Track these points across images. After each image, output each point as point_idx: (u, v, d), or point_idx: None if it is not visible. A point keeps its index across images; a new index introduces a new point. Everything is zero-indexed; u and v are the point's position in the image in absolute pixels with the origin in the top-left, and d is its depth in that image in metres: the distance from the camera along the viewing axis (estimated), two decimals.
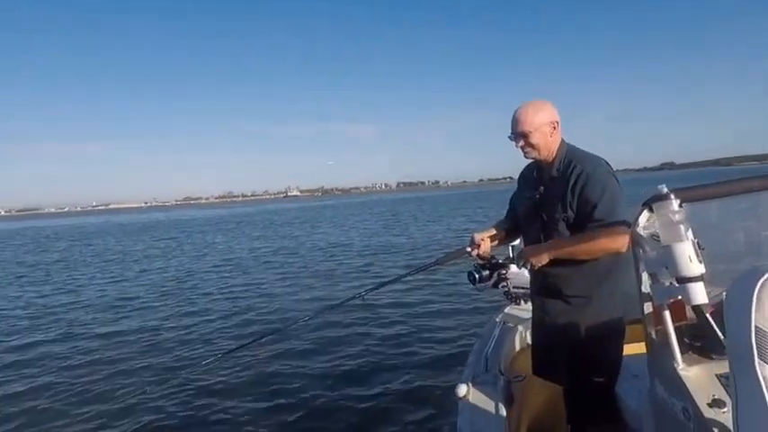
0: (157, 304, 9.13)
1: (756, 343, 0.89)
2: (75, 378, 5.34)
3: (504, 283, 3.27)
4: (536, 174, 2.22)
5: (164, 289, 10.80)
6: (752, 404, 0.91)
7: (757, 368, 0.89)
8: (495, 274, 2.35)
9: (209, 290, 10.27)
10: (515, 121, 2.10)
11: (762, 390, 0.88)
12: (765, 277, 0.89)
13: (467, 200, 58.54)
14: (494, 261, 2.33)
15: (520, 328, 3.08)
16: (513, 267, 3.28)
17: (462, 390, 2.34)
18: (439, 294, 8.07)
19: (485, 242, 2.33)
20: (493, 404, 2.29)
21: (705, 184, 1.60)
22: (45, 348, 6.63)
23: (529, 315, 2.74)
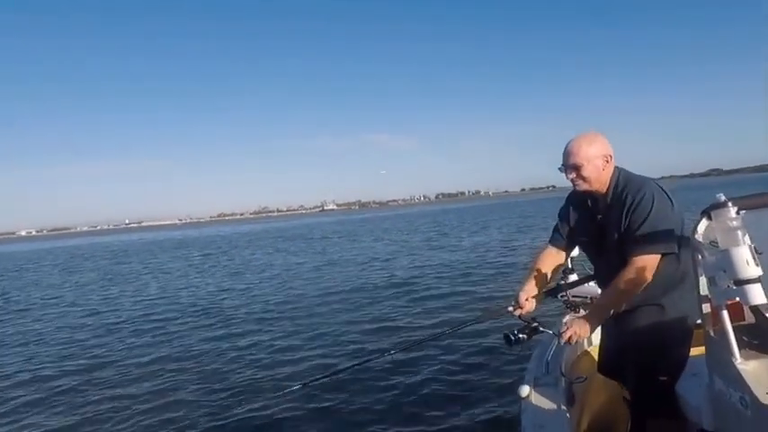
0: (201, 325, 8.75)
1: None
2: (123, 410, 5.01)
3: (564, 293, 3.42)
4: (590, 202, 2.28)
5: (199, 309, 10.18)
6: None
7: None
8: (532, 329, 2.25)
9: (259, 310, 9.66)
10: (567, 154, 2.15)
11: None
12: None
13: (510, 208, 57.38)
14: (534, 325, 2.24)
15: None
16: (573, 277, 3.42)
17: (525, 390, 2.44)
18: (501, 302, 8.25)
19: (529, 302, 2.26)
20: (555, 404, 2.38)
21: (762, 192, 1.70)
22: (72, 378, 6.29)
23: None
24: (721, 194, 1.58)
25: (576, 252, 3.36)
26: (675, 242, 2.05)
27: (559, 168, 2.22)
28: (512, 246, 17.41)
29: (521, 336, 2.20)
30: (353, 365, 4.35)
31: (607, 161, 2.15)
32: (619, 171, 2.19)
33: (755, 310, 1.56)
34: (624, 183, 2.15)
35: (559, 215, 2.48)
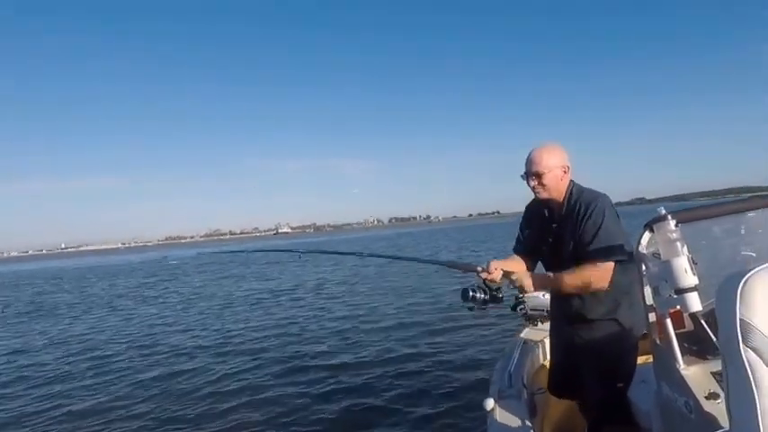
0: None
1: (741, 332, 1.04)
2: None
3: (523, 306, 3.57)
4: (547, 212, 2.41)
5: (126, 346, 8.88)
6: (740, 384, 1.06)
7: (743, 354, 1.04)
8: (488, 304, 2.33)
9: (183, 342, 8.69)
10: (530, 162, 2.27)
11: (747, 372, 1.03)
12: (747, 276, 1.06)
13: (462, 232, 58.22)
14: (494, 293, 2.34)
15: (539, 346, 3.31)
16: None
17: (489, 404, 2.48)
18: (463, 322, 8.42)
19: (497, 272, 2.31)
20: (518, 417, 2.43)
21: (698, 206, 1.85)
22: None
23: (546, 334, 3.02)
24: (662, 208, 1.71)
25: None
26: (627, 251, 2.17)
27: (522, 176, 2.33)
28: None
29: (477, 295, 2.28)
30: None
31: (565, 171, 2.29)
32: (573, 183, 2.33)
33: (693, 317, 1.67)
34: (578, 194, 2.28)
35: (520, 226, 2.60)
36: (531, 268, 2.49)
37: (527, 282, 2.26)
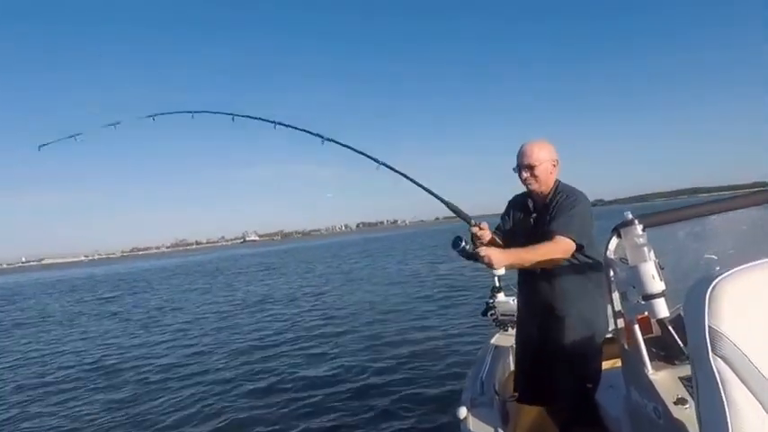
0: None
1: (710, 340, 1.04)
2: None
3: (493, 311, 3.58)
4: (530, 203, 2.51)
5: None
6: (710, 392, 1.06)
7: (712, 362, 1.04)
8: (471, 258, 2.40)
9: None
10: (523, 155, 2.39)
11: (716, 380, 1.04)
12: (713, 284, 1.07)
13: (431, 237, 58.34)
14: (478, 251, 2.38)
15: (509, 351, 3.32)
16: (501, 296, 3.60)
17: (462, 412, 2.49)
18: (437, 326, 8.49)
19: (487, 232, 2.49)
20: (491, 424, 2.46)
21: (663, 210, 1.87)
22: None
23: None
24: (629, 212, 1.73)
25: (502, 271, 3.54)
26: (587, 240, 2.27)
27: (513, 169, 2.44)
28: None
29: (467, 246, 2.36)
30: None
31: (554, 165, 2.42)
32: (558, 180, 2.45)
33: (661, 322, 1.69)
34: (562, 188, 2.41)
35: (501, 216, 2.71)
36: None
37: (496, 255, 2.25)
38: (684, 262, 2.04)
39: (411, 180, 2.74)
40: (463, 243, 2.37)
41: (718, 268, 1.91)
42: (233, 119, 3.68)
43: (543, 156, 2.37)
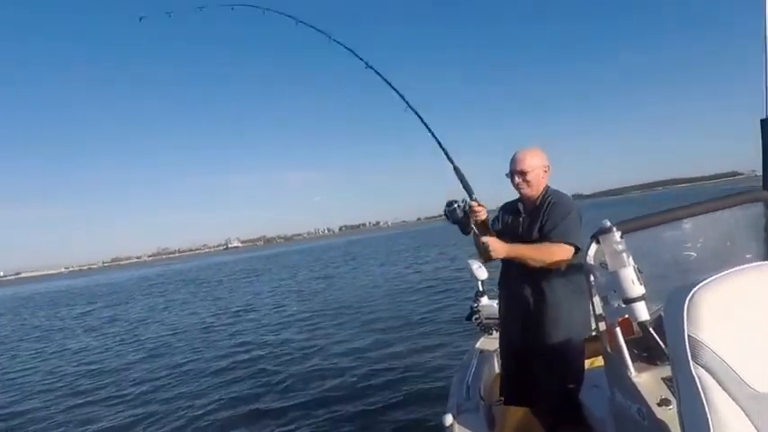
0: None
1: (690, 349, 1.05)
2: None
3: (477, 315, 3.59)
4: (521, 206, 2.58)
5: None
6: (692, 401, 1.07)
7: (693, 372, 1.05)
8: (459, 225, 2.48)
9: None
10: (517, 161, 2.48)
11: (698, 388, 1.05)
12: (692, 293, 1.07)
13: (413, 238, 58.12)
14: (468, 228, 2.48)
15: (494, 355, 3.33)
16: (484, 300, 3.61)
17: (448, 419, 2.49)
18: (422, 331, 8.45)
19: (484, 212, 2.50)
20: (477, 429, 2.46)
21: (640, 216, 1.90)
22: None
23: None
24: (607, 221, 1.75)
25: (485, 276, 3.60)
26: (579, 246, 2.31)
27: (506, 174, 2.52)
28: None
29: (458, 211, 2.42)
30: None
31: (545, 171, 2.52)
32: (548, 186, 2.55)
33: (642, 324, 1.70)
34: (552, 193, 2.51)
35: (492, 220, 2.72)
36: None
37: (496, 244, 2.31)
38: (663, 261, 2.07)
39: (431, 133, 2.69)
40: (456, 206, 2.43)
41: (694, 266, 1.97)
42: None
43: (536, 162, 2.47)
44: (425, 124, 2.74)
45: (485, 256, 2.38)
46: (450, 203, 2.45)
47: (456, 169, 2.59)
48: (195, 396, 6.54)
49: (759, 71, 2.08)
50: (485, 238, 2.32)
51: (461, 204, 2.45)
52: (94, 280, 67.04)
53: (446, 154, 2.65)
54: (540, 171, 2.49)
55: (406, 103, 2.81)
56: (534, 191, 2.50)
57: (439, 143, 2.68)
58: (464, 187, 2.57)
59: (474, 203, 2.48)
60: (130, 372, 8.52)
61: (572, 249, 2.31)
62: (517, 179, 2.48)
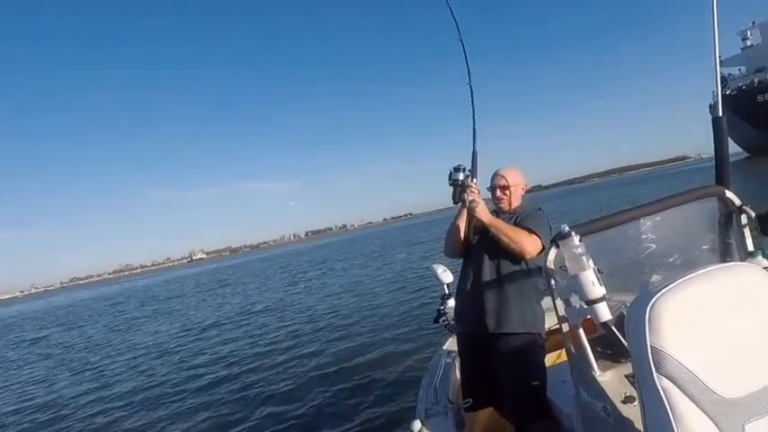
0: None
1: (653, 359, 1.05)
2: None
3: (444, 317, 3.56)
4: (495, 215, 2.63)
5: None
6: (655, 408, 1.08)
7: (657, 382, 1.05)
8: (460, 191, 2.50)
9: None
10: (500, 176, 2.67)
11: (662, 397, 1.04)
12: (652, 301, 1.07)
13: (381, 238, 58.07)
14: (460, 201, 2.53)
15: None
16: (451, 302, 3.59)
17: (417, 425, 2.44)
18: (389, 333, 8.38)
19: (478, 195, 2.50)
20: None
21: (596, 219, 1.92)
22: None
23: None
24: (565, 225, 1.75)
25: (449, 278, 3.59)
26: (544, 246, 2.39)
27: (487, 188, 2.68)
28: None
29: (462, 176, 2.48)
30: None
31: (523, 188, 2.73)
32: (525, 198, 2.73)
33: (604, 324, 1.71)
34: (525, 206, 2.68)
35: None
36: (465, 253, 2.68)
37: (482, 207, 2.45)
38: (624, 255, 2.12)
39: (474, 115, 2.75)
40: (462, 170, 2.50)
41: (654, 260, 1.99)
42: None
43: (515, 179, 2.67)
44: (473, 105, 2.79)
45: (469, 214, 2.51)
46: (458, 166, 2.51)
47: (474, 153, 2.70)
48: (160, 418, 6.32)
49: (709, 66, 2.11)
50: (478, 198, 2.45)
51: (467, 173, 2.54)
52: (52, 302, 63.99)
53: (474, 137, 2.73)
54: (520, 188, 2.69)
55: (469, 78, 2.86)
56: (512, 206, 2.66)
57: (474, 126, 2.75)
58: (472, 167, 2.65)
59: (472, 184, 2.53)
60: (77, 408, 7.74)
61: (540, 244, 2.39)
62: (499, 193, 2.66)
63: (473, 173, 2.62)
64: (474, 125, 2.76)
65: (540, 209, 2.64)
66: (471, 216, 2.57)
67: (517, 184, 2.67)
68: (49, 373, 11.14)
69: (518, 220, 2.54)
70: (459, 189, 2.51)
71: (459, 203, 2.53)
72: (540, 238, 2.40)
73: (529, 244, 2.38)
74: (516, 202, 2.67)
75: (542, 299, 2.48)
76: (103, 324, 20.34)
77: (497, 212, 2.67)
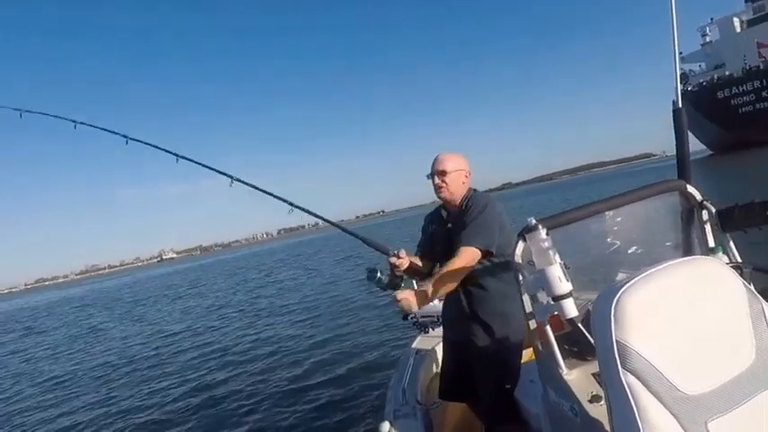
0: None
1: (619, 354, 1.04)
2: None
3: (413, 314, 3.51)
4: (445, 214, 2.59)
5: None
6: (622, 406, 1.06)
7: (622, 377, 1.04)
8: (388, 289, 2.44)
9: None
10: (438, 162, 2.49)
11: (627, 394, 1.03)
12: (617, 296, 1.06)
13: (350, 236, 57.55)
14: (397, 280, 2.46)
15: (431, 354, 3.28)
16: None
17: (385, 427, 2.42)
18: (357, 332, 8.30)
19: (405, 261, 2.44)
20: None
21: (563, 211, 1.89)
22: None
23: (438, 341, 3.01)
24: (532, 218, 1.72)
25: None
26: (494, 242, 2.34)
27: (427, 176, 2.52)
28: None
29: (383, 277, 2.42)
30: None
31: (466, 176, 2.53)
32: (473, 190, 2.54)
33: (571, 321, 1.70)
34: (473, 196, 2.49)
35: (422, 230, 2.78)
36: (431, 269, 2.57)
37: (409, 300, 2.27)
38: (590, 251, 2.11)
39: (327, 221, 3.08)
40: (378, 274, 2.41)
41: (619, 256, 1.99)
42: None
43: (455, 165, 2.48)
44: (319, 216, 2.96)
45: (405, 312, 2.35)
46: (371, 275, 2.43)
47: (364, 240, 2.63)
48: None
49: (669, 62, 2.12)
50: (400, 296, 2.27)
51: (381, 267, 2.44)
52: (14, 304, 61.74)
53: (355, 235, 2.77)
54: (462, 175, 2.50)
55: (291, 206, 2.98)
56: (456, 195, 2.50)
57: (349, 233, 2.90)
58: (377, 249, 2.58)
59: (393, 259, 2.43)
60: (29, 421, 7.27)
61: (475, 252, 2.29)
62: (437, 179, 2.48)
63: (382, 250, 2.54)
64: (343, 229, 3.02)
65: (485, 205, 2.42)
66: (429, 232, 2.63)
67: (455, 169, 2.48)
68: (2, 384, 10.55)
69: (464, 223, 2.40)
70: (388, 278, 2.41)
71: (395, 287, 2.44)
72: (471, 246, 2.29)
73: (462, 264, 2.27)
74: (459, 191, 2.50)
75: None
76: (65, 330, 19.22)
77: (445, 207, 2.59)
